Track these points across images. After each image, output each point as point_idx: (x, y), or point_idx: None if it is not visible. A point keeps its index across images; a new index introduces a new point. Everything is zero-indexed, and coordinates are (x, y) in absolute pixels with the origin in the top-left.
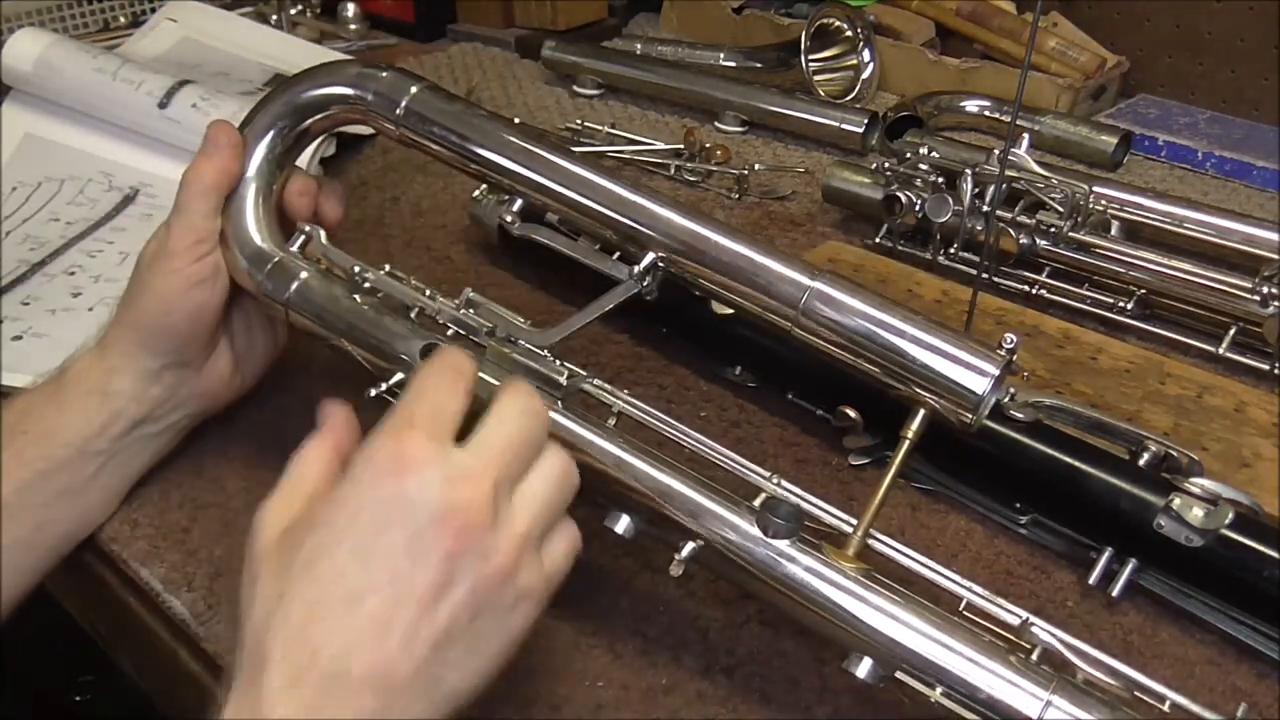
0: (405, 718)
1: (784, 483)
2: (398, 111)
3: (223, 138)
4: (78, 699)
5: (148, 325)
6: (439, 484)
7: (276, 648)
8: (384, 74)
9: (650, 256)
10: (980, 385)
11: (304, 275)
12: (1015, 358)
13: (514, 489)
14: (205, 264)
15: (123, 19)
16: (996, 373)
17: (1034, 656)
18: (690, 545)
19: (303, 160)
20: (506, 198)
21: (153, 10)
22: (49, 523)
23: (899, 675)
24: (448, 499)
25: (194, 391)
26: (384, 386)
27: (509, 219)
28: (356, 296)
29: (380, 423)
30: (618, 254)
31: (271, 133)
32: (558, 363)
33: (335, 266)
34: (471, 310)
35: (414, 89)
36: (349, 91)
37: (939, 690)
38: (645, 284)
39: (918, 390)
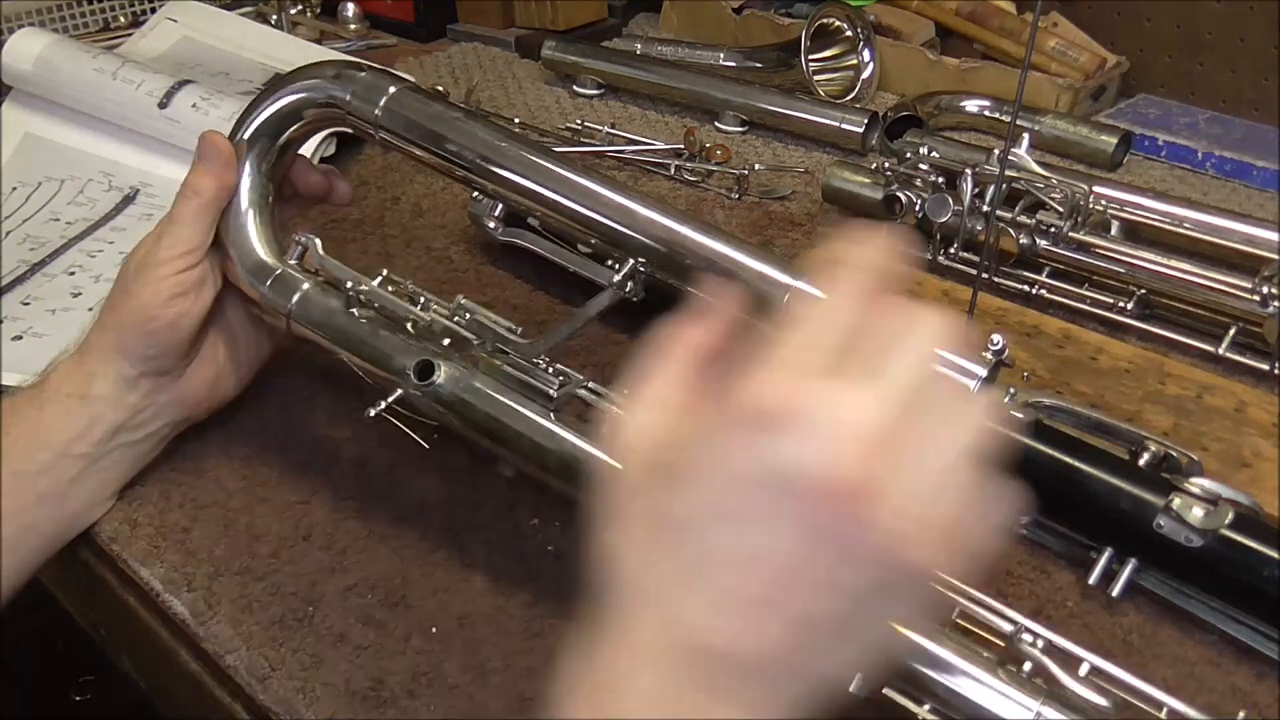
0: (769, 705)
1: None
2: (375, 113)
3: (218, 148)
4: (78, 699)
5: (128, 332)
6: (819, 443)
7: (646, 606)
8: (361, 74)
9: (630, 262)
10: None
11: (305, 287)
12: (1006, 356)
13: (915, 444)
14: (191, 275)
15: (123, 19)
16: (983, 374)
17: (1026, 666)
18: None
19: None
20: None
21: (153, 10)
22: (30, 526)
23: (887, 691)
24: (831, 461)
25: (173, 399)
26: (382, 405)
27: (492, 225)
28: (354, 310)
29: (763, 351)
30: (608, 258)
31: (262, 141)
32: (550, 371)
33: (331, 277)
34: (466, 316)
35: (392, 89)
36: (327, 94)
37: (926, 707)
38: (628, 289)
39: None
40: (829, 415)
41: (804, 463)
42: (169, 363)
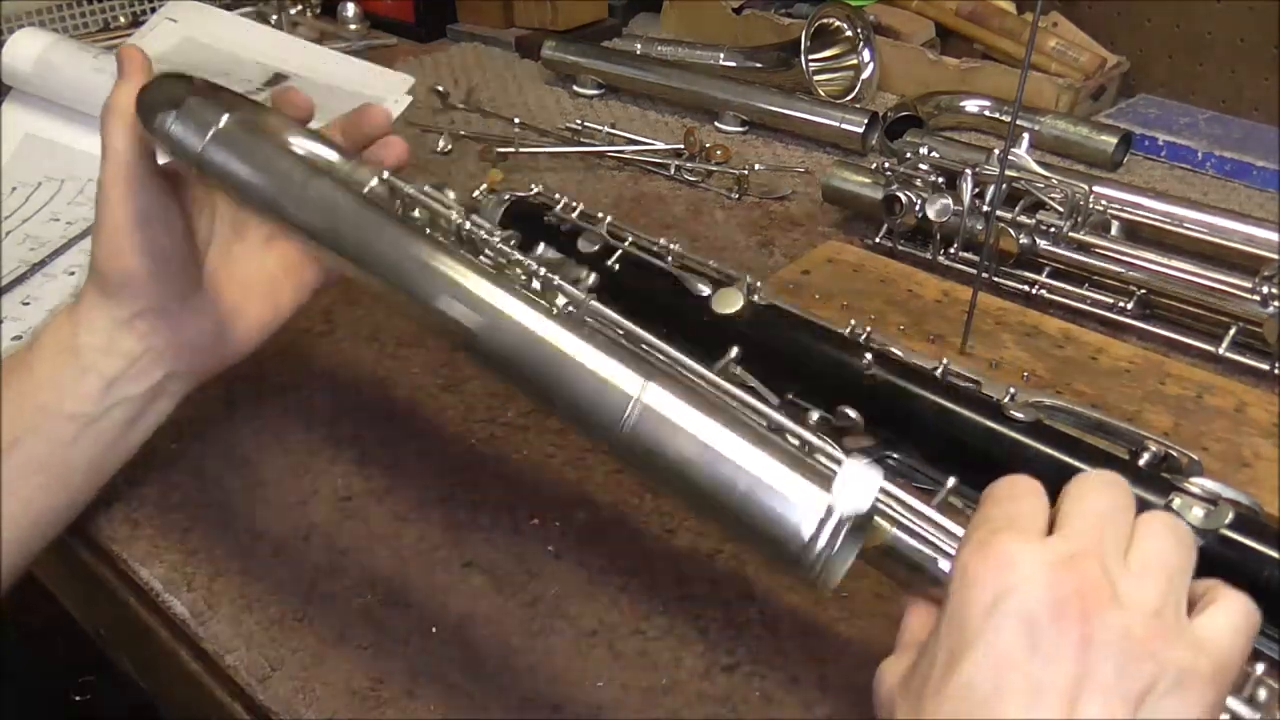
0: None
1: None
2: (199, 149)
3: (134, 58)
4: (78, 699)
5: (104, 270)
6: (1044, 573)
7: None
8: (191, 99)
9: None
10: (808, 526)
11: (225, 119)
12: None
13: (1125, 561)
14: (144, 198)
15: (123, 19)
16: (828, 506)
17: None
18: None
19: None
20: (507, 198)
21: (153, 10)
22: (27, 500)
23: None
24: (1059, 586)
25: (171, 344)
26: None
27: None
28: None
29: (960, 545)
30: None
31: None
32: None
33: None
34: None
35: (225, 119)
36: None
37: None
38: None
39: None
40: (1050, 550)
41: (1038, 592)
42: (161, 299)
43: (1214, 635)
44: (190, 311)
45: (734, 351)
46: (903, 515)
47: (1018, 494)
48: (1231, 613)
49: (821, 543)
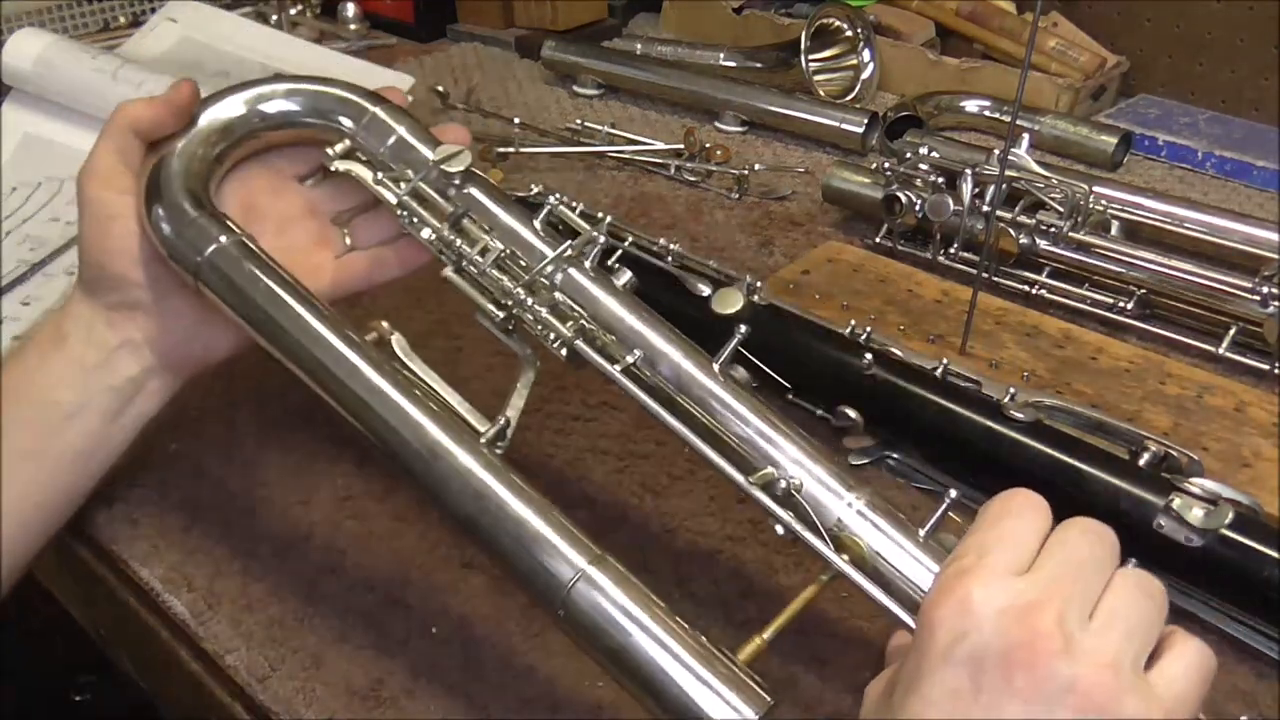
0: None
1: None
2: (197, 260)
3: (179, 90)
4: (78, 699)
5: (85, 262)
6: (998, 620)
7: None
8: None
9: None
10: None
11: (223, 240)
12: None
13: (1090, 612)
14: (119, 198)
15: (123, 19)
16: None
17: None
18: None
19: None
20: None
21: (153, 10)
22: (24, 490)
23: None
24: (1010, 634)
25: (149, 338)
26: None
27: None
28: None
29: (934, 580)
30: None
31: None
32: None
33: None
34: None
35: (222, 240)
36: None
37: None
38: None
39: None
40: (1010, 595)
41: (989, 639)
42: (135, 294)
43: (1167, 684)
44: (170, 309)
45: (736, 338)
46: (881, 558)
47: (1010, 513)
48: (1186, 661)
49: None
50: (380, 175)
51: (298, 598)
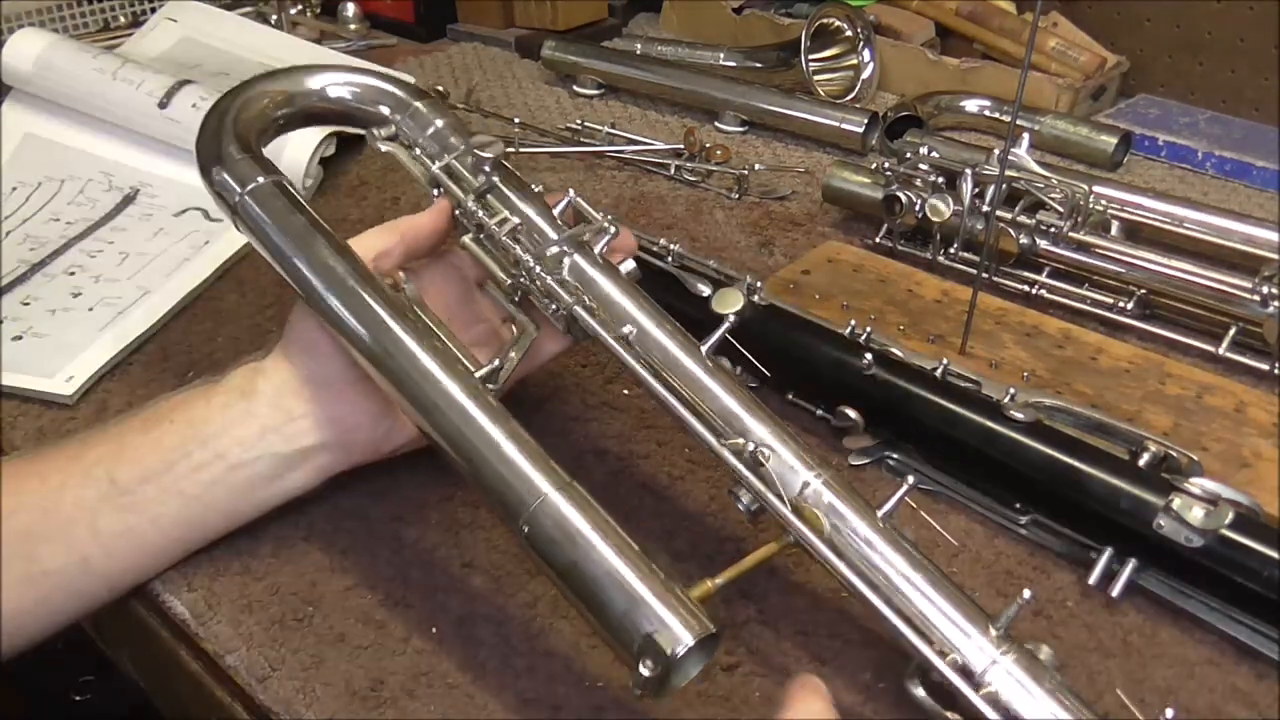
0: None
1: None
2: (236, 199)
3: (443, 209)
4: (78, 699)
5: (290, 323)
6: None
7: None
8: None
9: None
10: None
11: (260, 180)
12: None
13: None
14: None
15: (123, 19)
16: (691, 642)
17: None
18: None
19: (302, 162)
20: None
21: (153, 10)
22: (160, 517)
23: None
24: None
25: (331, 417)
26: None
27: None
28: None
29: None
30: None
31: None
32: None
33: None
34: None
35: (260, 180)
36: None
37: None
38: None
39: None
40: None
41: None
42: (331, 373)
43: None
44: (359, 393)
45: (725, 325)
46: (838, 531)
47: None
48: None
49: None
50: (417, 152)
51: (298, 598)
